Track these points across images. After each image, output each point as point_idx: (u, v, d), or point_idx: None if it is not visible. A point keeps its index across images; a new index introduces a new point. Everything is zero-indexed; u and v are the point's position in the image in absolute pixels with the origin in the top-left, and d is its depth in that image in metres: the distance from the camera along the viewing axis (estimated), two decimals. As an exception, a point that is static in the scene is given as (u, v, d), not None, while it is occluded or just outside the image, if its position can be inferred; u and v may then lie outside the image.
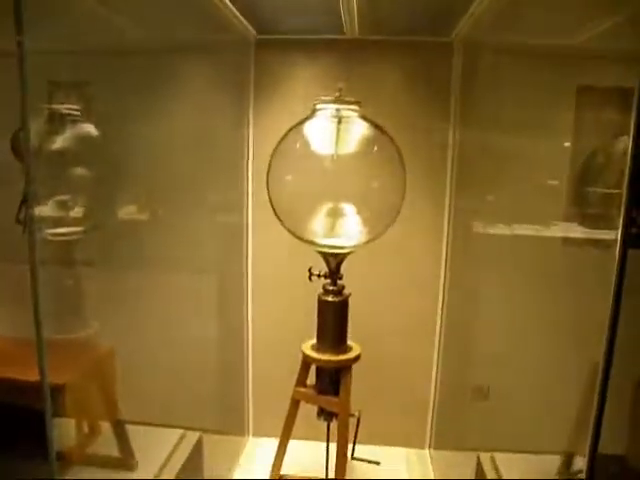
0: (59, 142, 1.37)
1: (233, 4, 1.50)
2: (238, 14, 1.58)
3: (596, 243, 1.41)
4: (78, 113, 1.39)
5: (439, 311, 1.85)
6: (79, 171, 1.46)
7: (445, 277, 1.83)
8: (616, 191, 0.86)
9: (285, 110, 1.69)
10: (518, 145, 1.67)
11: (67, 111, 1.40)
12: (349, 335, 1.32)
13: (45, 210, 1.41)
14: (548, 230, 1.66)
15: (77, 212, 1.46)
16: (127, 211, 1.66)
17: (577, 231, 1.51)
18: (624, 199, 0.74)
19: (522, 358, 1.64)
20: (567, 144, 1.64)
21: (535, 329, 1.62)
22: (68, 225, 1.45)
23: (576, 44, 1.47)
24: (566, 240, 1.58)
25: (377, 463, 1.43)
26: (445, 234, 1.81)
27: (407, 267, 1.83)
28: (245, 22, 1.65)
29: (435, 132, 1.79)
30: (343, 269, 1.26)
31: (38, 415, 0.93)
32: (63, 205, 1.44)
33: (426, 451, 1.96)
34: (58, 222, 1.42)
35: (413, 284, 1.84)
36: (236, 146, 1.80)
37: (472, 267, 1.78)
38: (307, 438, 1.55)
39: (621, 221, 0.75)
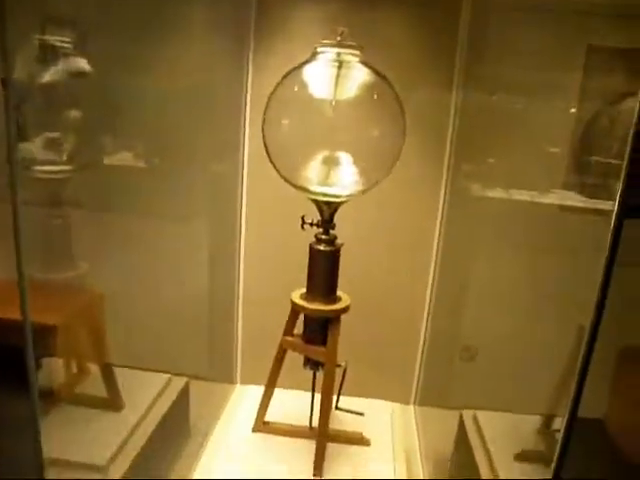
0: (50, 75, 1.33)
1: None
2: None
3: (595, 212, 1.40)
4: (71, 46, 1.34)
5: (432, 268, 1.85)
6: (71, 107, 1.42)
7: (439, 235, 1.82)
8: (615, 161, 0.84)
9: (287, 52, 1.63)
10: (522, 108, 1.64)
11: (60, 43, 1.36)
12: (339, 286, 1.31)
13: (34, 147, 1.38)
14: (546, 197, 1.64)
15: (67, 150, 1.43)
16: (118, 153, 1.63)
17: (575, 199, 1.50)
18: (625, 162, 0.72)
19: (512, 321, 1.64)
20: (573, 110, 1.60)
21: (527, 293, 1.63)
22: (58, 163, 1.42)
23: None
24: (563, 208, 1.57)
25: (361, 414, 1.44)
26: (442, 192, 1.79)
27: (401, 222, 1.81)
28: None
29: (438, 88, 1.75)
30: (336, 219, 1.25)
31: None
32: (53, 142, 1.41)
33: (411, 407, 1.98)
34: (47, 159, 1.39)
35: (406, 239, 1.83)
36: (235, 90, 1.75)
37: (468, 227, 1.77)
38: (293, 387, 1.57)
39: (620, 186, 0.73)
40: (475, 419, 1.58)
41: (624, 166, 0.73)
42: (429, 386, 1.92)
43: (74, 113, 1.45)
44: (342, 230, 1.29)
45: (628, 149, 0.71)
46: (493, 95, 1.70)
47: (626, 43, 1.39)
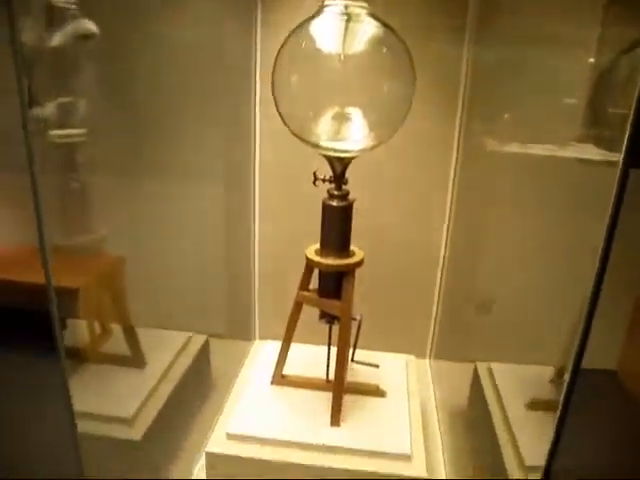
0: (58, 38, 1.33)
1: None
2: None
3: (610, 165, 1.38)
4: (77, 7, 1.33)
5: (445, 223, 1.85)
6: (81, 70, 1.42)
7: (453, 189, 1.81)
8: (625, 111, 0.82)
9: (296, 7, 1.61)
10: (537, 61, 1.59)
11: (66, 5, 1.35)
12: (353, 241, 1.32)
13: (47, 111, 1.39)
14: (563, 150, 1.61)
15: (80, 113, 1.44)
16: (130, 115, 1.63)
17: (593, 153, 1.47)
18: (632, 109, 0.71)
19: (528, 275, 1.65)
20: (591, 60, 1.56)
21: (543, 246, 1.62)
22: (71, 127, 1.43)
23: None
24: (581, 161, 1.54)
25: (376, 366, 1.48)
26: (455, 147, 1.77)
27: (415, 177, 1.81)
28: None
29: (449, 41, 1.71)
30: (349, 174, 1.25)
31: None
32: (66, 106, 1.42)
33: (426, 360, 2.02)
34: (61, 124, 1.41)
35: (420, 194, 1.83)
36: (245, 47, 1.74)
37: (482, 182, 1.75)
38: (310, 342, 1.60)
39: (626, 137, 0.73)
40: (490, 370, 1.60)
41: (631, 113, 0.72)
42: (444, 339, 1.95)
43: (85, 74, 1.45)
44: (355, 186, 1.29)
45: (636, 95, 0.69)
46: (507, 48, 1.66)
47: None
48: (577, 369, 0.91)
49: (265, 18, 1.72)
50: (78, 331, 1.48)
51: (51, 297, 0.95)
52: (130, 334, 1.55)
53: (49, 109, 1.39)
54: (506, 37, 1.61)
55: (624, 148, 0.75)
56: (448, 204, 1.83)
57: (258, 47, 1.74)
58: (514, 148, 1.68)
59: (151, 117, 1.67)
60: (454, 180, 1.81)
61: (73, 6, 1.34)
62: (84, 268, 1.49)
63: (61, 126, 1.41)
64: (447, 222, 1.85)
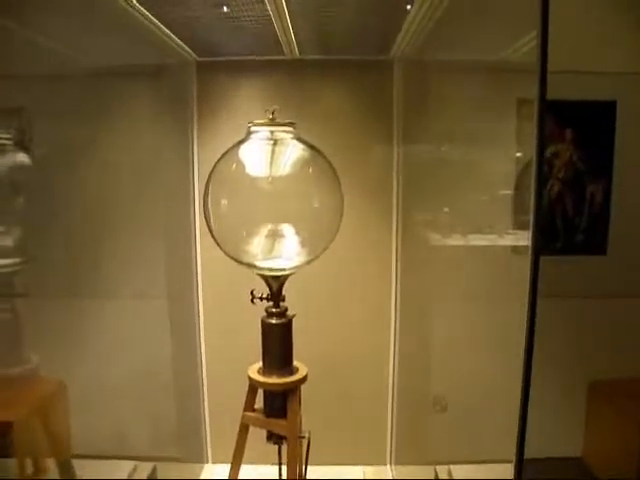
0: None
1: (169, 29, 1.49)
2: (176, 38, 1.57)
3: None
4: (10, 142, 1.36)
5: (392, 324, 1.86)
6: (15, 201, 1.43)
7: (396, 291, 1.84)
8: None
9: (229, 131, 1.69)
10: (464, 158, 1.70)
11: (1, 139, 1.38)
12: (298, 356, 1.30)
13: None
14: (501, 239, 1.69)
15: (14, 242, 1.43)
16: (66, 240, 1.63)
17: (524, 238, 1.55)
18: (532, 207, 0.76)
19: (477, 369, 1.65)
20: (518, 154, 1.67)
21: (488, 339, 1.64)
22: (6, 256, 1.42)
23: (513, 58, 1.51)
24: (515, 248, 1.61)
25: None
26: (394, 249, 1.82)
27: (356, 283, 1.83)
28: (184, 45, 1.65)
29: (379, 150, 1.82)
30: (289, 287, 1.25)
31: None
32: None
33: (387, 467, 1.95)
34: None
35: (363, 300, 1.84)
36: (180, 170, 1.79)
37: (424, 278, 1.79)
38: (260, 462, 1.53)
39: (531, 229, 0.77)
40: (449, 473, 1.57)
41: (532, 208, 0.77)
42: (403, 444, 1.89)
43: (19, 205, 1.46)
44: (295, 299, 1.29)
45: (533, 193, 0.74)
46: (434, 150, 1.77)
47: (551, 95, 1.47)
48: (521, 459, 0.90)
49: (201, 143, 1.79)
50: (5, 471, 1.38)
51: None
52: (67, 470, 1.45)
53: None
54: (431, 135, 1.71)
55: (531, 238, 0.79)
56: (392, 307, 1.85)
57: (196, 168, 1.80)
58: (450, 241, 1.74)
59: (88, 237, 1.67)
60: (396, 279, 1.84)
61: (8, 141, 1.37)
62: (18, 399, 1.41)
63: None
64: (393, 326, 1.86)
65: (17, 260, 1.42)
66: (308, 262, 1.21)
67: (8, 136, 1.34)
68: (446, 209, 1.78)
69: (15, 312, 1.45)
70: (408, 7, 1.38)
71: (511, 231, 1.65)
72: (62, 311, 1.63)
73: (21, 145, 1.35)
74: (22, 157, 1.35)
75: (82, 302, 1.68)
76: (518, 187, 1.63)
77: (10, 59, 1.46)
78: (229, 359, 1.84)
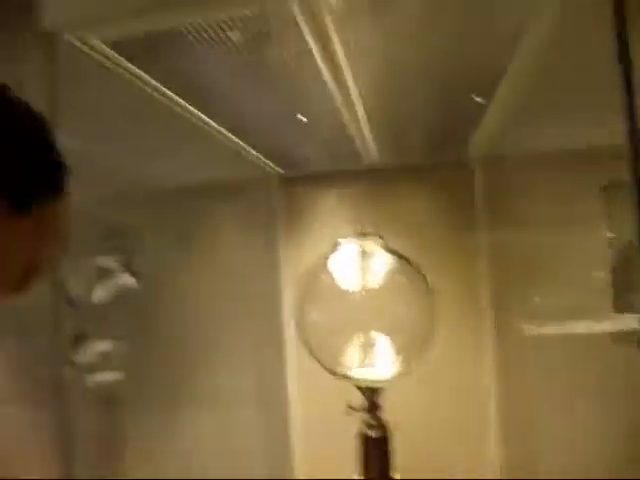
0: (101, 292, 1.45)
1: (255, 149, 1.62)
2: (261, 157, 1.70)
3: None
4: (119, 265, 1.47)
5: (493, 432, 1.75)
6: (118, 319, 1.52)
7: (497, 391, 1.74)
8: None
9: (315, 242, 1.75)
10: (553, 238, 1.65)
11: (110, 264, 1.49)
12: (403, 467, 1.25)
13: (87, 357, 1.46)
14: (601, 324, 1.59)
15: (117, 357, 1.51)
16: (163, 352, 1.70)
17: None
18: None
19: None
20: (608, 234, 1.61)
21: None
22: (109, 370, 1.49)
23: (598, 144, 1.49)
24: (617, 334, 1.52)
25: None
26: (491, 347, 1.75)
27: (454, 392, 1.76)
28: (268, 162, 1.77)
29: (464, 251, 1.80)
30: (388, 402, 1.23)
31: None
32: (104, 352, 1.49)
33: None
34: (99, 368, 1.47)
35: (463, 405, 1.76)
36: (270, 284, 1.85)
37: (525, 377, 1.69)
38: None
39: None
40: None
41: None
42: None
43: (122, 322, 1.55)
44: (390, 410, 1.26)
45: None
46: (521, 231, 1.72)
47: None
48: None
49: (287, 257, 1.86)
50: None
51: None
52: None
53: (89, 355, 1.47)
54: (517, 220, 1.68)
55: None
56: (493, 412, 1.75)
57: (284, 284, 1.86)
58: (552, 330, 1.64)
59: (182, 350, 1.72)
60: (497, 377, 1.75)
61: (116, 264, 1.48)
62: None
63: (98, 370, 1.47)
64: (495, 431, 1.75)
65: (119, 374, 1.49)
66: (404, 374, 1.20)
67: (117, 259, 1.45)
68: (542, 296, 1.70)
69: (113, 423, 1.51)
70: (479, 100, 1.39)
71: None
72: (158, 422, 1.66)
73: (128, 267, 1.46)
74: (130, 280, 1.45)
75: (178, 412, 1.71)
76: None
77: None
78: (322, 465, 1.79)
